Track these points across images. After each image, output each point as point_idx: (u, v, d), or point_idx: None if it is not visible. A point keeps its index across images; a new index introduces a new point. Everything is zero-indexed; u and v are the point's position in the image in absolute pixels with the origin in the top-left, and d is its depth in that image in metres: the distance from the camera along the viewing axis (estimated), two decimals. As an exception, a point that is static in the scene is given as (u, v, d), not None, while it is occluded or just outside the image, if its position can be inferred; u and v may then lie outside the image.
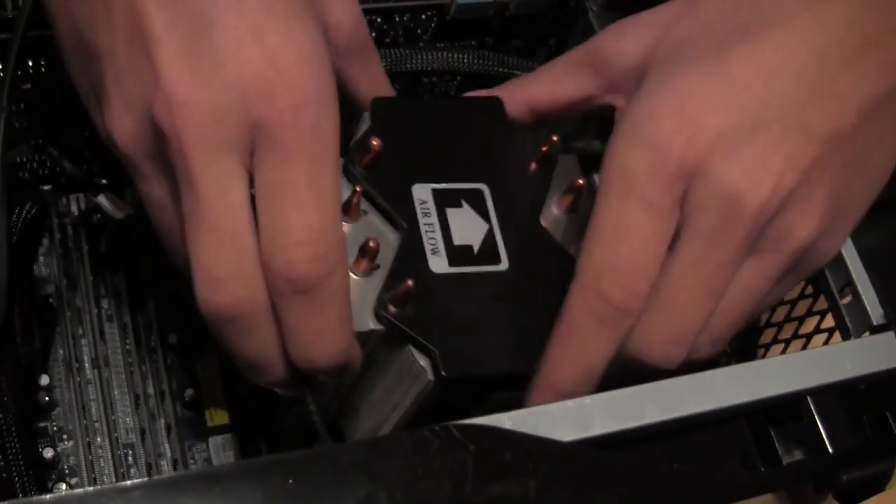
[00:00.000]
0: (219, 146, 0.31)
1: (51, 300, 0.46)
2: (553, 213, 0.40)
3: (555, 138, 0.40)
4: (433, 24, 0.48)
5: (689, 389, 0.34)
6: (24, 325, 0.42)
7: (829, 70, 0.35)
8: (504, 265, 0.38)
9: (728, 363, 0.46)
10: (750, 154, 0.34)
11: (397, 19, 0.47)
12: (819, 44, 0.35)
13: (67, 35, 0.34)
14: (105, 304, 0.47)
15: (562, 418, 0.32)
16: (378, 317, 0.35)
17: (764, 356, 0.48)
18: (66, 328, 0.46)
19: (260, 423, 0.46)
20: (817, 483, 0.37)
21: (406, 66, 0.47)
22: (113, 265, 0.48)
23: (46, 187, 0.48)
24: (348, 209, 0.36)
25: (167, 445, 0.45)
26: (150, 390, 0.46)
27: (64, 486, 0.43)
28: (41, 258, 0.47)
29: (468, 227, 0.38)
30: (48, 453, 0.43)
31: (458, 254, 0.37)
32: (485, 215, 0.38)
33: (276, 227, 0.32)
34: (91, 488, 0.26)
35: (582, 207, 0.40)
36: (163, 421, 0.45)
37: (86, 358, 0.46)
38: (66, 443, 0.44)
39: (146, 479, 0.27)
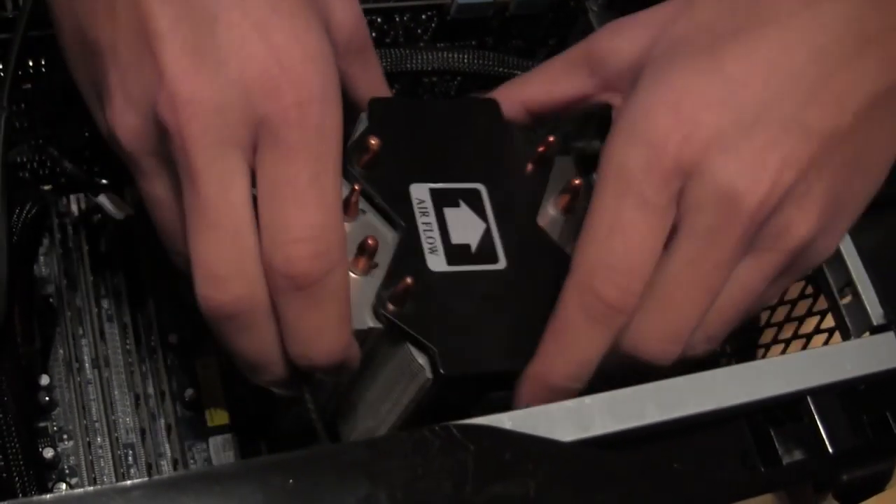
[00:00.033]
0: (222, 143, 0.31)
1: (51, 300, 0.46)
2: (550, 213, 0.40)
3: (551, 139, 0.40)
4: (433, 24, 0.48)
5: (689, 389, 0.34)
6: (25, 325, 0.42)
7: (828, 68, 0.35)
8: (502, 264, 0.38)
9: (728, 363, 0.46)
10: (747, 152, 0.34)
11: (397, 19, 0.47)
12: (818, 42, 0.35)
13: (70, 33, 0.34)
14: (105, 303, 0.47)
15: (562, 418, 0.32)
16: (377, 315, 0.35)
17: (764, 356, 0.48)
18: (67, 328, 0.46)
19: (260, 423, 0.46)
20: (817, 483, 0.37)
21: (406, 66, 0.47)
22: (113, 265, 0.48)
23: (47, 187, 0.48)
24: (346, 208, 0.36)
25: (167, 445, 0.45)
26: (151, 390, 0.46)
27: (64, 486, 0.43)
28: (41, 258, 0.47)
29: (466, 226, 0.38)
30: (48, 453, 0.43)
31: (456, 253, 0.37)
32: (482, 215, 0.38)
33: (277, 224, 0.32)
34: (91, 488, 0.26)
35: (578, 207, 0.40)
36: (163, 421, 0.45)
37: (86, 358, 0.46)
38: (66, 443, 0.44)
39: (146, 479, 0.27)
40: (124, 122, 0.33)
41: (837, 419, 0.37)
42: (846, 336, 0.41)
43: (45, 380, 0.44)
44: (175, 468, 0.44)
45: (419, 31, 0.48)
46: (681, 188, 0.34)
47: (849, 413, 0.37)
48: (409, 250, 0.36)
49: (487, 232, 0.38)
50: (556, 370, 0.35)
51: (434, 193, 0.38)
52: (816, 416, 0.36)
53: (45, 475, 0.43)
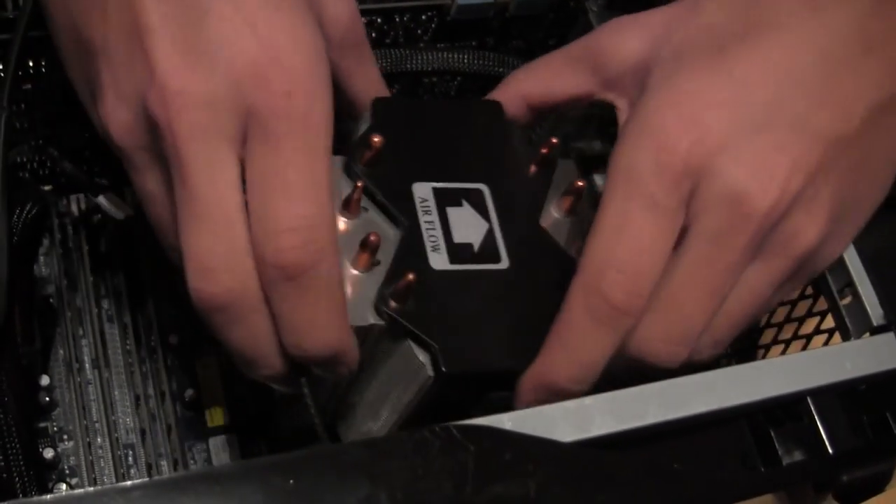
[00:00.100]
0: (211, 135, 0.31)
1: (51, 300, 0.46)
2: (552, 215, 0.40)
3: (554, 140, 0.40)
4: (433, 25, 0.48)
5: (689, 390, 0.34)
6: (25, 326, 0.42)
7: (834, 73, 0.35)
8: (504, 264, 0.38)
9: (728, 364, 0.46)
10: (757, 155, 0.34)
11: (397, 20, 0.47)
12: (823, 47, 0.35)
13: (64, 31, 0.34)
14: (105, 304, 0.47)
15: (562, 419, 0.32)
16: (378, 311, 0.35)
17: (764, 357, 0.48)
18: (67, 328, 0.46)
19: (260, 423, 0.46)
20: (817, 483, 0.37)
21: (406, 67, 0.47)
22: (113, 265, 0.48)
23: (47, 187, 0.48)
24: (349, 205, 0.36)
25: (167, 446, 0.45)
26: (151, 391, 0.46)
27: (64, 486, 0.43)
28: (41, 258, 0.47)
29: (468, 225, 0.38)
30: (48, 453, 0.43)
31: (458, 251, 0.37)
32: (485, 215, 0.38)
33: (266, 215, 0.32)
34: (91, 488, 0.26)
35: (581, 210, 0.40)
36: (163, 421, 0.45)
37: (86, 358, 0.46)
38: (66, 443, 0.44)
39: (146, 479, 0.27)
40: (116, 117, 0.33)
41: (837, 420, 0.37)
42: (846, 337, 0.41)
43: (45, 380, 0.44)
44: (175, 468, 0.44)
45: (419, 31, 0.48)
46: (690, 191, 0.34)
47: (849, 413, 0.37)
48: (412, 248, 0.36)
49: (490, 232, 0.38)
50: (559, 371, 0.35)
51: (437, 192, 0.38)
52: (816, 417, 0.37)
53: (46, 475, 0.43)
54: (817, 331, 0.45)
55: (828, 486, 0.36)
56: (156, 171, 0.33)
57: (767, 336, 0.48)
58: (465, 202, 0.38)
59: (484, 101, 0.42)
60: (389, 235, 0.37)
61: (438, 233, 0.37)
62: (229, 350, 0.34)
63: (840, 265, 0.40)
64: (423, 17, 0.48)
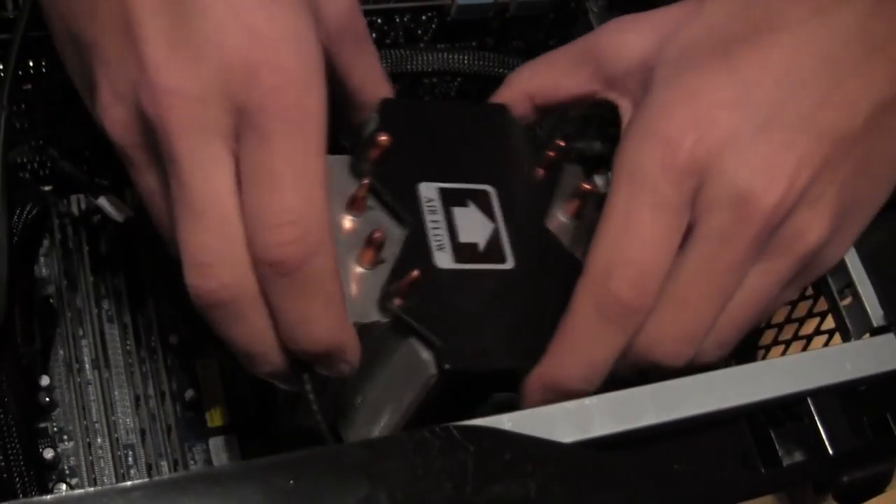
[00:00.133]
0: (203, 132, 0.31)
1: (51, 301, 0.46)
2: (558, 218, 0.40)
3: (561, 143, 0.40)
4: (434, 25, 0.48)
5: (689, 390, 0.34)
6: (25, 326, 0.42)
7: (838, 74, 0.35)
8: (510, 264, 0.38)
9: (728, 364, 0.46)
10: (762, 153, 0.34)
11: (398, 20, 0.47)
12: (826, 49, 0.35)
13: (60, 30, 0.34)
14: (105, 304, 0.47)
15: (562, 419, 0.32)
16: (382, 308, 0.35)
17: (764, 357, 0.48)
18: (67, 329, 0.46)
19: (260, 423, 0.46)
20: (817, 484, 0.37)
21: (406, 67, 0.47)
22: (113, 266, 0.48)
23: (47, 188, 0.48)
24: (354, 203, 0.36)
25: (167, 446, 0.45)
26: (151, 391, 0.46)
27: (64, 486, 0.43)
28: (42, 259, 0.47)
29: (474, 225, 0.38)
30: (48, 454, 0.43)
31: (463, 251, 0.37)
32: (490, 216, 0.38)
33: (258, 211, 0.31)
34: (91, 489, 0.26)
35: (587, 213, 0.40)
36: (163, 421, 0.45)
37: (86, 359, 0.46)
38: (66, 443, 0.44)
39: (146, 479, 0.27)
40: (113, 115, 0.33)
41: (838, 420, 0.37)
42: (846, 337, 0.41)
43: (45, 380, 0.44)
44: (175, 469, 0.44)
45: (419, 31, 0.48)
46: (696, 188, 0.34)
47: (849, 414, 0.37)
48: (417, 246, 0.36)
49: (496, 232, 0.38)
50: (566, 371, 0.35)
51: (443, 192, 0.38)
52: (817, 418, 0.37)
53: (46, 476, 0.43)
54: (817, 331, 0.45)
55: (828, 486, 0.36)
56: (153, 167, 0.33)
57: (768, 337, 0.48)
58: (470, 203, 0.38)
59: (491, 103, 0.42)
60: (394, 235, 0.37)
61: (444, 232, 0.37)
62: (229, 346, 0.34)
63: (840, 266, 0.40)
64: (424, 17, 0.48)
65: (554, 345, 0.35)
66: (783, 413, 0.36)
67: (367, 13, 0.44)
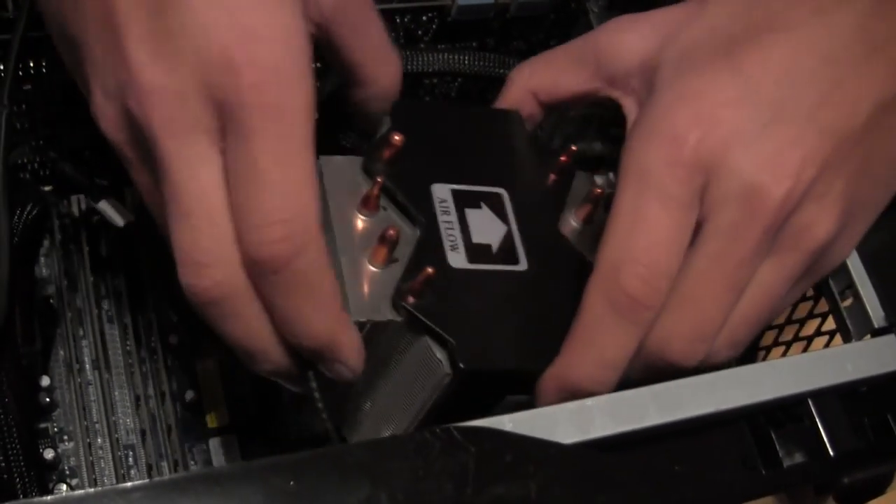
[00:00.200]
0: (187, 130, 0.31)
1: (51, 301, 0.46)
2: (570, 223, 0.40)
3: (574, 148, 0.40)
4: (434, 26, 0.48)
5: (689, 391, 0.34)
6: (25, 326, 0.42)
7: (839, 73, 0.35)
8: (523, 266, 0.38)
9: (729, 365, 0.46)
10: (768, 148, 0.34)
11: (398, 21, 0.47)
12: (828, 48, 0.35)
13: (55, 29, 0.34)
14: (106, 305, 0.47)
15: (562, 420, 0.32)
16: (395, 307, 0.35)
17: (765, 358, 0.48)
18: (67, 329, 0.46)
19: (260, 423, 0.46)
20: (818, 485, 0.37)
21: (407, 68, 0.47)
22: (114, 266, 0.48)
23: (47, 188, 0.48)
24: (367, 203, 0.36)
25: (167, 446, 0.45)
26: (151, 391, 0.46)
27: (64, 487, 0.43)
28: (42, 259, 0.47)
29: (487, 227, 0.38)
30: (49, 454, 0.43)
31: (476, 251, 0.37)
32: (504, 218, 0.38)
33: (243, 209, 0.31)
34: (92, 489, 0.26)
35: (598, 218, 0.40)
36: (163, 422, 0.45)
37: (86, 359, 0.46)
38: (66, 444, 0.44)
39: (147, 480, 0.27)
40: (105, 113, 0.33)
41: (838, 421, 0.37)
42: (847, 339, 0.41)
43: (45, 381, 0.44)
44: (175, 469, 0.44)
45: (420, 32, 0.48)
46: (703, 185, 0.34)
47: (850, 415, 0.37)
48: (430, 246, 0.36)
49: (508, 234, 0.38)
50: (580, 370, 0.35)
51: (456, 194, 0.38)
52: (817, 419, 0.36)
53: (46, 476, 0.43)
54: (818, 332, 0.45)
55: (829, 487, 0.36)
56: (146, 164, 0.33)
57: (769, 338, 0.48)
58: (483, 205, 0.38)
59: (503, 109, 0.43)
60: (407, 235, 0.37)
61: (457, 233, 0.37)
62: (229, 344, 0.34)
63: (841, 267, 0.40)
64: (424, 18, 0.48)
65: (567, 344, 0.35)
66: (784, 414, 0.36)
67: (367, 14, 0.44)
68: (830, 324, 0.43)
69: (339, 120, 0.44)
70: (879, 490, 0.36)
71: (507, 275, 0.37)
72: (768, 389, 0.35)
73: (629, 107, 0.40)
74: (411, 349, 0.36)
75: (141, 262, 0.48)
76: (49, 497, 0.26)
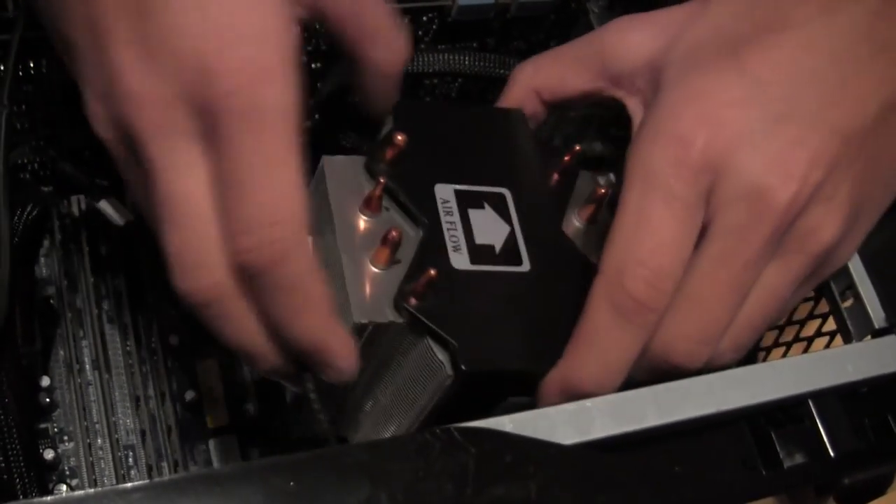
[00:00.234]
0: (173, 134, 0.31)
1: (51, 301, 0.46)
2: (574, 223, 0.40)
3: (577, 148, 0.40)
4: (434, 26, 0.48)
5: (690, 392, 0.34)
6: (25, 326, 0.42)
7: (844, 73, 0.35)
8: (525, 267, 0.38)
9: (730, 366, 0.46)
10: (775, 149, 0.34)
11: (399, 21, 0.47)
12: (833, 48, 0.35)
13: (50, 29, 0.34)
14: (106, 305, 0.47)
15: (562, 421, 0.32)
16: (397, 308, 0.35)
17: (766, 359, 0.48)
18: (67, 329, 0.46)
19: (260, 423, 0.46)
20: (819, 486, 0.36)
21: (407, 68, 0.47)
22: (114, 266, 0.48)
23: (47, 189, 0.48)
24: (370, 203, 0.36)
25: (168, 447, 0.45)
26: (151, 392, 0.46)
27: (64, 487, 0.43)
28: (42, 259, 0.47)
29: (490, 227, 0.38)
30: (49, 454, 0.43)
31: (479, 252, 0.37)
32: (507, 218, 0.38)
33: (229, 215, 0.31)
34: (92, 490, 0.26)
35: (601, 218, 0.40)
36: (163, 422, 0.45)
37: (86, 359, 0.46)
38: (66, 444, 0.44)
39: (147, 480, 0.27)
40: (95, 113, 0.32)
41: (839, 422, 0.37)
42: (848, 339, 0.41)
43: (45, 381, 0.44)
44: (175, 470, 0.44)
45: (420, 32, 0.48)
46: (709, 187, 0.34)
47: (850, 416, 0.37)
48: (433, 247, 0.36)
49: (512, 234, 0.38)
50: (584, 372, 0.35)
51: (459, 194, 0.38)
52: (818, 419, 0.36)
53: (46, 476, 0.43)
54: (819, 333, 0.45)
55: (829, 488, 0.36)
56: (136, 166, 0.33)
57: (769, 338, 0.48)
58: (486, 205, 0.38)
59: (506, 108, 0.43)
60: (410, 236, 0.37)
61: (460, 233, 0.37)
62: (225, 344, 0.34)
63: (842, 268, 0.40)
64: (424, 18, 0.48)
65: (571, 346, 0.35)
66: (784, 415, 0.36)
67: (367, 14, 0.44)
68: (831, 324, 0.43)
69: (339, 120, 0.44)
70: (880, 491, 0.36)
71: (510, 276, 0.37)
72: (769, 390, 0.35)
73: (634, 107, 0.40)
74: (413, 351, 0.36)
75: (141, 262, 0.48)
76: (49, 497, 0.26)
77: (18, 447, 0.39)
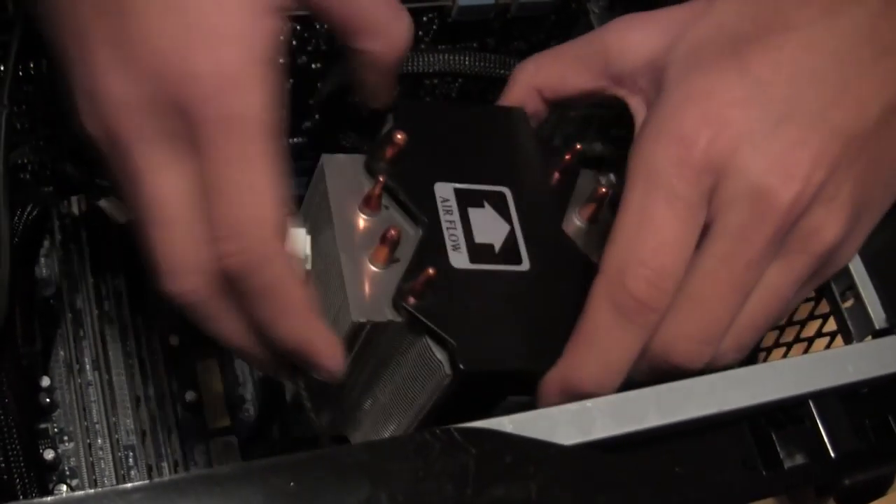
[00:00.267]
0: (150, 140, 0.31)
1: (52, 301, 0.46)
2: (574, 222, 0.40)
3: (578, 147, 0.40)
4: (434, 26, 0.48)
5: (690, 392, 0.34)
6: (26, 326, 0.42)
7: (847, 74, 0.35)
8: (525, 266, 0.38)
9: (730, 366, 0.46)
10: (777, 150, 0.34)
11: (399, 21, 0.47)
12: (836, 49, 0.35)
13: (43, 28, 0.34)
14: (106, 305, 0.47)
15: (563, 422, 0.32)
16: (396, 307, 0.35)
17: (766, 359, 0.48)
18: (67, 329, 0.46)
19: (260, 423, 0.46)
20: (819, 487, 0.36)
21: (407, 69, 0.47)
22: (114, 266, 0.48)
23: (48, 189, 0.48)
24: (369, 202, 0.36)
25: (168, 447, 0.45)
26: (151, 392, 0.46)
27: (64, 487, 0.43)
28: (42, 259, 0.47)
29: (490, 226, 0.38)
30: (49, 455, 0.43)
31: (479, 251, 0.37)
32: (507, 217, 0.38)
33: (210, 220, 0.31)
34: (92, 490, 0.26)
35: (602, 217, 0.40)
36: (163, 423, 0.45)
37: (86, 359, 0.46)
38: (66, 444, 0.44)
39: (147, 481, 0.27)
40: (83, 113, 0.32)
41: (839, 423, 0.37)
42: (848, 340, 0.41)
43: (45, 381, 0.44)
44: (175, 470, 0.44)
45: (420, 32, 0.48)
46: (712, 187, 0.34)
47: (851, 417, 0.37)
48: (432, 245, 0.36)
49: (511, 234, 0.38)
50: (584, 371, 0.35)
51: (459, 193, 0.38)
52: (818, 420, 0.36)
53: (46, 477, 0.43)
54: (819, 334, 0.45)
55: (829, 489, 0.36)
56: (122, 167, 0.33)
57: (770, 339, 0.48)
58: (486, 204, 0.38)
59: (507, 106, 0.43)
60: (409, 235, 0.37)
61: (459, 232, 0.37)
62: (218, 343, 0.34)
63: (842, 268, 0.40)
64: (424, 18, 0.48)
65: (571, 345, 0.35)
66: (785, 415, 0.36)
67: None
68: (832, 325, 0.42)
69: (339, 120, 0.44)
70: (880, 491, 0.36)
71: (510, 275, 0.37)
72: (769, 390, 0.35)
73: (636, 106, 0.40)
74: (412, 350, 0.36)
75: (141, 262, 0.48)
76: (49, 498, 0.26)
77: (18, 447, 0.39)
